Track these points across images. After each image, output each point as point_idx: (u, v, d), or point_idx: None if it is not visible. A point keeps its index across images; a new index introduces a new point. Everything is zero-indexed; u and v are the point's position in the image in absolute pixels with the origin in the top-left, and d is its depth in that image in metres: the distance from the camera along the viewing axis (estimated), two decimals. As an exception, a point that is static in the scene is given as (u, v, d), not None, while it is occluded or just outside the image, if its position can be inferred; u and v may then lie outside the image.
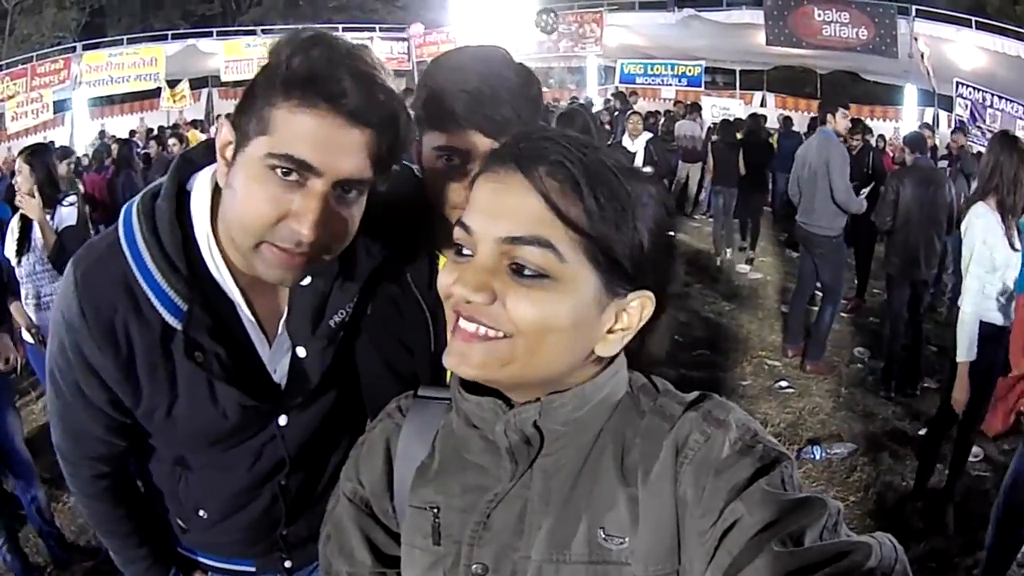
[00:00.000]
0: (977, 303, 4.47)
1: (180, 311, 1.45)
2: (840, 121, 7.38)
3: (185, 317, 1.46)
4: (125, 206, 1.54)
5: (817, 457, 5.55)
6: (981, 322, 4.48)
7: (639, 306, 1.07)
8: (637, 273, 1.04)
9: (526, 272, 1.00)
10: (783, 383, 6.94)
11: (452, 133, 1.54)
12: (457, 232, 1.06)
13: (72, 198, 5.20)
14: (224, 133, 1.39)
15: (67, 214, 5.11)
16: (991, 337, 4.47)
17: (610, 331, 1.07)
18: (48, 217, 5.01)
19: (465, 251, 1.05)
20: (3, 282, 4.89)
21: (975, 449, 5.25)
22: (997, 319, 4.50)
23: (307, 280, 1.57)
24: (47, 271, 5.03)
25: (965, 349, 4.44)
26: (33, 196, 4.94)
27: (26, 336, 5.08)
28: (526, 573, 1.06)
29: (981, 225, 4.42)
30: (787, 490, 0.94)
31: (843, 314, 8.75)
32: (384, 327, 1.71)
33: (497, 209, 1.02)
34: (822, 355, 7.35)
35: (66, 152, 8.23)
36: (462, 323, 1.03)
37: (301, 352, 1.65)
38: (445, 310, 1.08)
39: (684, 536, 0.99)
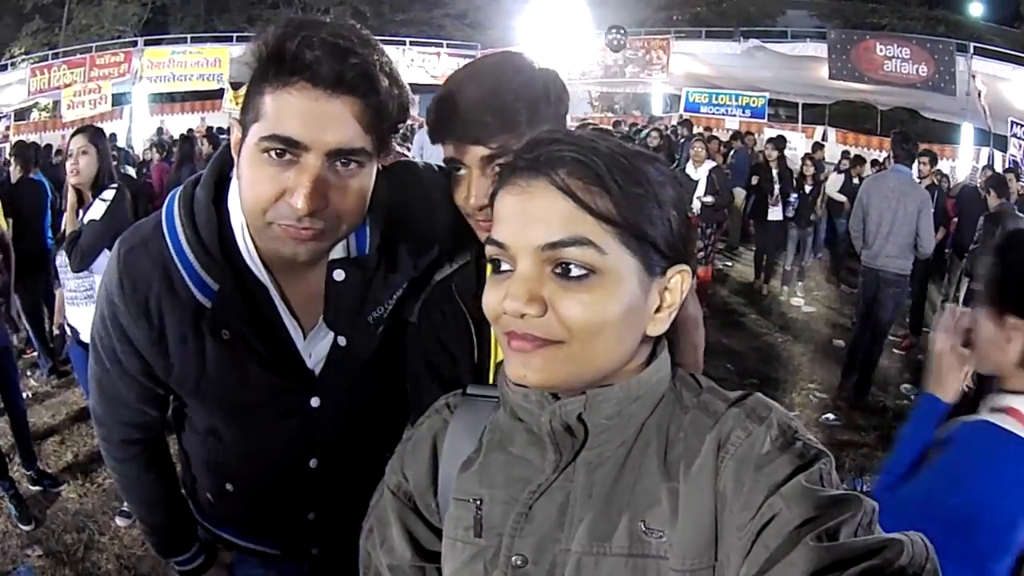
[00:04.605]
0: None
1: (211, 291, 1.53)
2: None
3: (215, 297, 1.53)
4: (169, 197, 1.61)
5: (859, 489, 5.38)
6: None
7: (679, 280, 1.11)
8: (670, 250, 1.08)
9: (572, 273, 1.01)
10: (830, 416, 7.03)
11: (446, 146, 1.57)
12: (490, 249, 1.08)
13: (109, 192, 4.45)
14: (235, 132, 1.45)
15: (95, 209, 4.42)
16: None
17: (657, 310, 1.10)
18: (85, 210, 4.48)
19: (504, 267, 1.06)
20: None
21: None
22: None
23: (341, 275, 1.61)
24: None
25: None
26: (80, 188, 4.49)
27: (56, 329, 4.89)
28: (566, 565, 1.06)
29: None
30: (825, 487, 0.94)
31: (896, 351, 8.87)
32: (429, 332, 1.70)
33: (527, 218, 1.03)
34: (869, 389, 7.42)
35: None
36: (514, 342, 1.04)
37: (341, 341, 1.68)
38: (498, 329, 1.08)
39: (722, 530, 0.99)
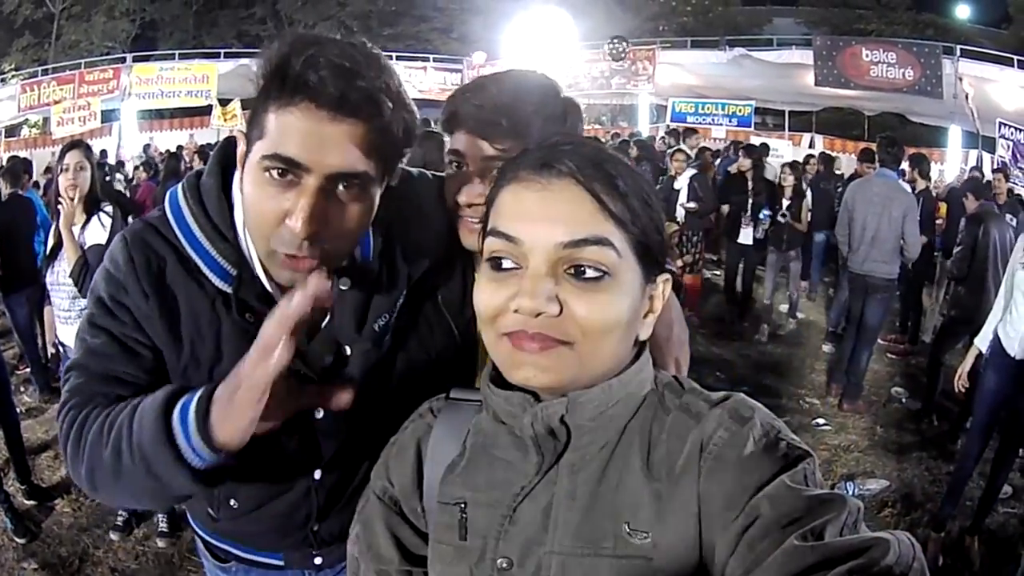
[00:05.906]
0: (1004, 308, 4.80)
1: (229, 276, 1.49)
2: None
3: (234, 281, 1.49)
4: (170, 191, 1.58)
5: (850, 492, 5.54)
6: (1005, 353, 4.73)
7: (663, 287, 1.13)
8: (661, 257, 1.11)
9: (587, 275, 1.02)
10: (820, 420, 7.05)
11: (455, 136, 1.63)
12: (497, 243, 1.06)
13: (107, 215, 4.57)
14: (240, 145, 1.43)
15: (95, 231, 4.51)
16: (1010, 372, 4.71)
17: (645, 315, 1.12)
18: (80, 227, 4.52)
19: (507, 264, 1.05)
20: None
21: (1005, 487, 5.37)
22: (1016, 352, 4.68)
23: (346, 284, 1.59)
24: (69, 285, 4.51)
25: (980, 336, 5.01)
26: (73, 199, 4.47)
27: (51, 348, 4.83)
28: (551, 568, 1.06)
29: (1020, 245, 4.73)
30: (809, 486, 0.94)
31: (892, 355, 8.96)
32: (416, 340, 1.74)
33: (547, 214, 1.02)
34: (859, 394, 7.41)
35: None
36: (520, 342, 1.03)
37: (346, 351, 1.65)
38: (493, 330, 1.07)
39: (706, 531, 0.99)
